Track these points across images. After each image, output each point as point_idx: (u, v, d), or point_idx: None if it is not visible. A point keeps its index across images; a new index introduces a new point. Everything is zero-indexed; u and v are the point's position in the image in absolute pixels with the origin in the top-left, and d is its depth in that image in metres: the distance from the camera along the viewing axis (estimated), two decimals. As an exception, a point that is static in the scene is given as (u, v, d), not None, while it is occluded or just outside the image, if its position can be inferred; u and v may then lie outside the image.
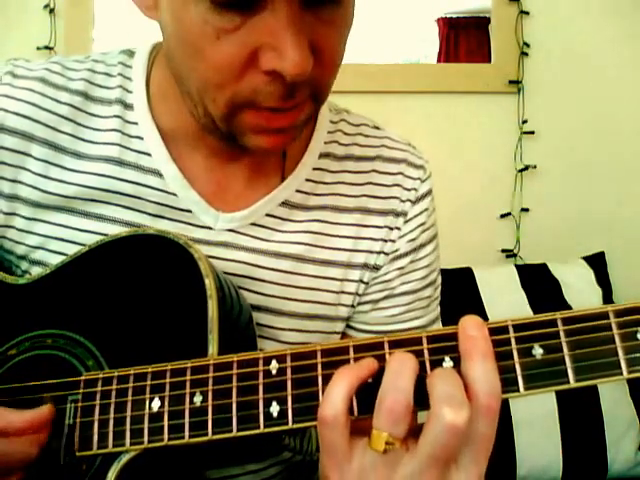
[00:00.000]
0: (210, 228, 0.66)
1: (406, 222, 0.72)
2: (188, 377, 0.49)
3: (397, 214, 0.72)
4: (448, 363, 0.45)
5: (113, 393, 0.52)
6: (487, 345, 0.44)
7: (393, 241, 0.72)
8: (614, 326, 0.43)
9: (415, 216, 0.72)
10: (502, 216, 1.75)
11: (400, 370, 0.43)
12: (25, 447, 0.52)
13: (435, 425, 0.41)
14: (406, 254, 0.72)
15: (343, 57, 0.58)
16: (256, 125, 0.56)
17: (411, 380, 0.43)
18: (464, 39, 1.84)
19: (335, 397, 0.43)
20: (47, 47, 1.67)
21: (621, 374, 0.42)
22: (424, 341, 0.46)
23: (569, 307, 1.48)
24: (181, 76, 0.57)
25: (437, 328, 0.47)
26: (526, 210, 1.74)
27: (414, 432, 0.43)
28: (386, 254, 0.72)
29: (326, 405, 0.44)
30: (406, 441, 0.43)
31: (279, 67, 0.50)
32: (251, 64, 0.52)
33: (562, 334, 0.43)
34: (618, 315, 0.43)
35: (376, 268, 0.72)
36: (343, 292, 0.71)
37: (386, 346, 0.46)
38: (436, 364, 0.45)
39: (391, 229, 0.72)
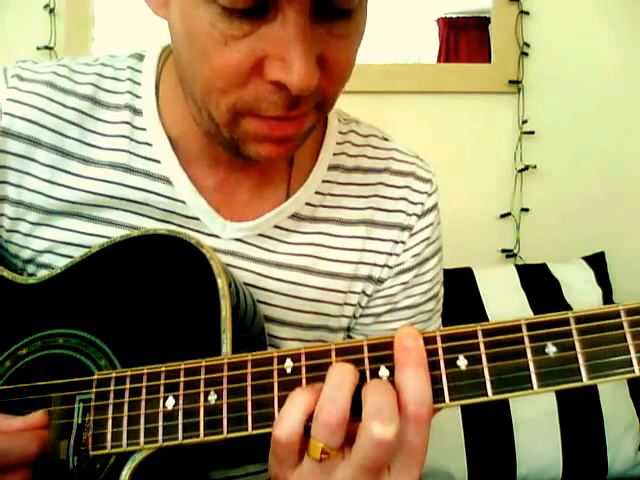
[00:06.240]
0: (217, 237, 0.66)
1: (411, 236, 0.72)
2: (202, 376, 0.49)
3: (403, 228, 0.71)
4: (384, 372, 0.46)
5: (126, 392, 0.52)
6: (420, 355, 0.44)
7: (398, 255, 0.71)
8: (625, 324, 0.43)
9: (420, 230, 0.72)
10: (502, 216, 1.75)
11: (339, 383, 0.44)
12: (24, 443, 0.50)
13: (364, 438, 0.42)
14: (410, 269, 0.72)
15: (353, 68, 0.57)
16: (258, 133, 0.56)
17: (348, 393, 0.44)
18: (464, 39, 1.83)
19: (291, 420, 0.44)
20: (47, 47, 1.67)
21: (633, 372, 0.43)
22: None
23: (569, 307, 1.48)
24: (186, 78, 0.56)
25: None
26: (526, 210, 1.75)
27: (353, 440, 0.44)
28: (390, 267, 0.71)
29: (281, 426, 0.45)
30: (343, 449, 0.44)
31: (284, 79, 0.50)
32: (256, 72, 0.51)
33: (575, 332, 0.44)
34: (629, 314, 0.43)
35: (380, 281, 0.72)
36: (346, 303, 0.71)
37: None
38: (374, 373, 0.46)
39: (396, 243, 0.71)
